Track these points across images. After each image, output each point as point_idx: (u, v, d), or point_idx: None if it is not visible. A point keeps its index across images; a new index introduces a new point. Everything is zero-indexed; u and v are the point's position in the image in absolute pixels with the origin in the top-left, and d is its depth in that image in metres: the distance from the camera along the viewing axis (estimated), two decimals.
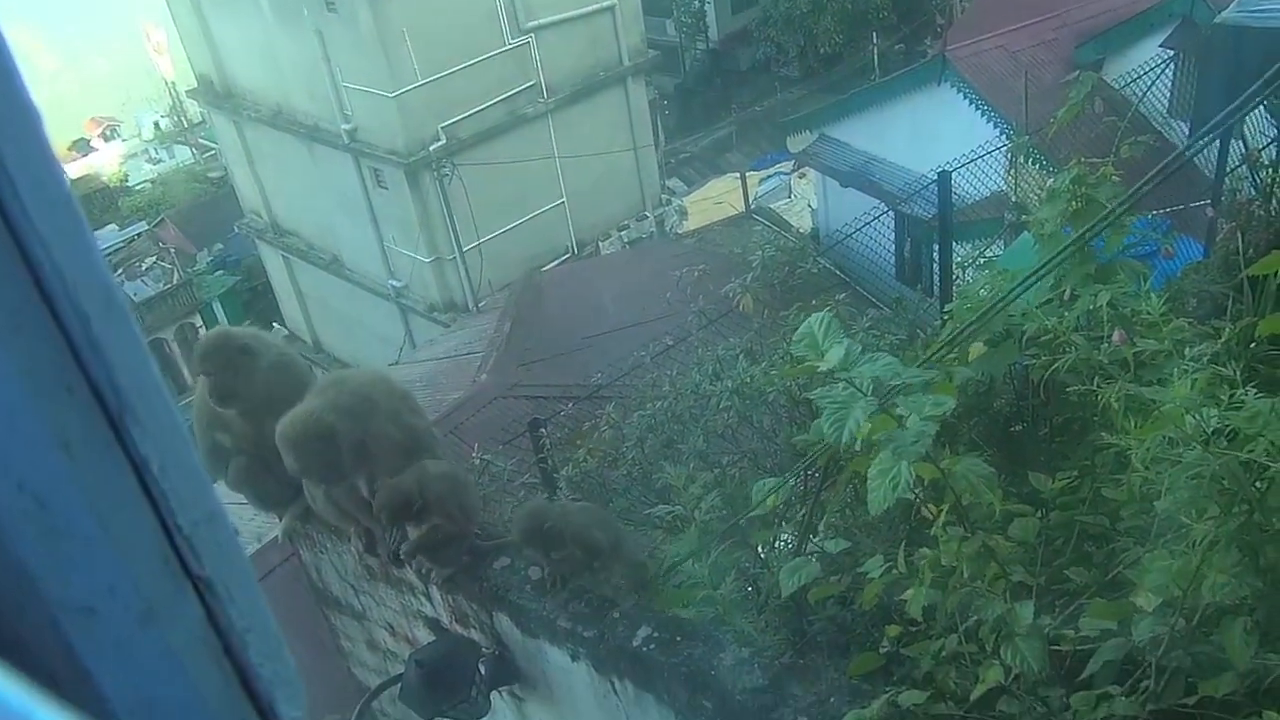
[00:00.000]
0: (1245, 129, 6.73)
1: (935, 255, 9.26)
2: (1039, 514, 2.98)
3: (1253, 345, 2.82)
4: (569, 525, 3.79)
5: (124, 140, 40.49)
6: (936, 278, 8.88)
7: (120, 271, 28.93)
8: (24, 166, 0.50)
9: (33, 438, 0.54)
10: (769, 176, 23.39)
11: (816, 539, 3.80)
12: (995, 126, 13.54)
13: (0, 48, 0.51)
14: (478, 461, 6.60)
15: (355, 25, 17.54)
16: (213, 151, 33.26)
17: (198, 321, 28.69)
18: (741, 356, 5.91)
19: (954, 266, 7.96)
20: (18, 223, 0.50)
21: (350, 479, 3.93)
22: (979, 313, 3.47)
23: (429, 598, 4.51)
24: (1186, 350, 2.54)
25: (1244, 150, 6.49)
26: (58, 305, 0.53)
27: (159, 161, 38.74)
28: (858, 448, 2.78)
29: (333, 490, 4.02)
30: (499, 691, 4.35)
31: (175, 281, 28.71)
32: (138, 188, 36.21)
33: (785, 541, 4.07)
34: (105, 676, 0.57)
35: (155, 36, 36.84)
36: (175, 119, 39.76)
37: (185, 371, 28.54)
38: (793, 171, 22.47)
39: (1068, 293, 3.38)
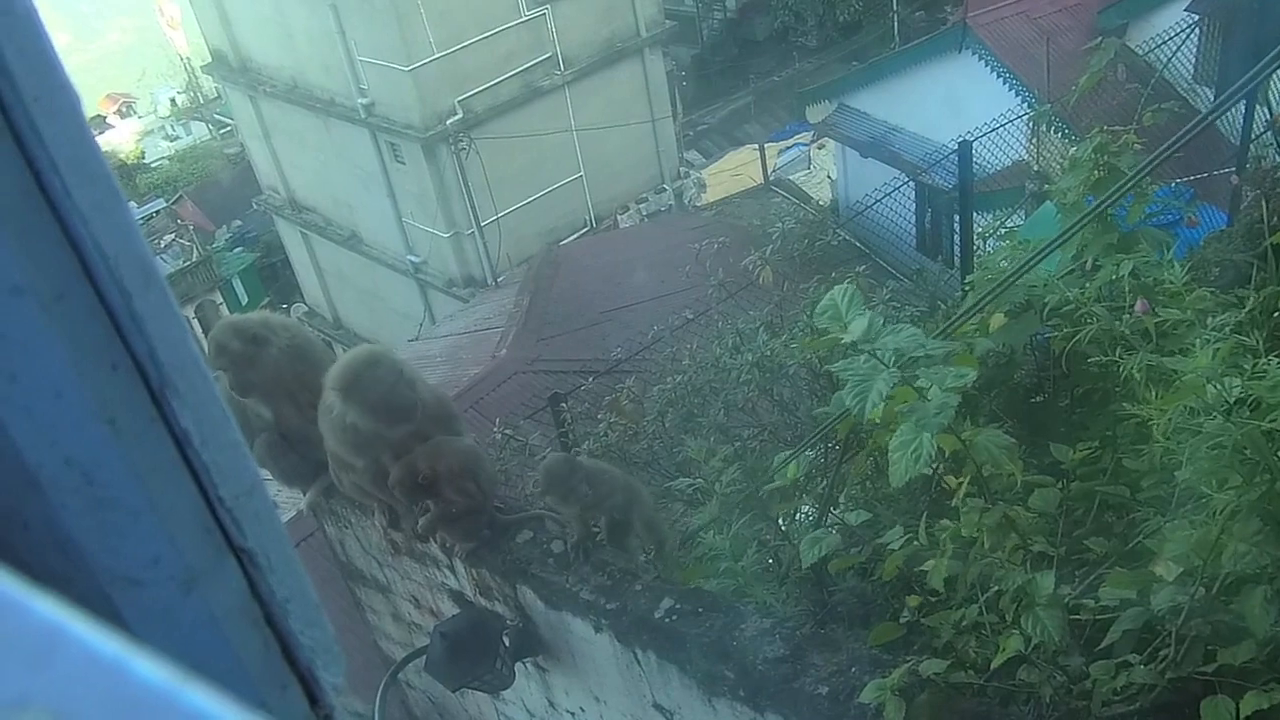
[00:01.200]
0: (1271, 95, 6.64)
1: (956, 226, 9.20)
2: (1060, 484, 2.98)
3: (1276, 314, 2.81)
4: (595, 479, 3.84)
5: (140, 117, 40.53)
6: (957, 249, 8.82)
7: None
8: (64, 145, 0.51)
9: (79, 413, 0.55)
10: (788, 148, 23.22)
11: (837, 511, 3.82)
12: (1017, 94, 13.40)
13: (39, 30, 0.52)
14: (499, 436, 6.63)
15: None
16: (229, 127, 33.27)
17: (218, 298, 28.82)
18: (761, 329, 5.91)
19: (975, 237, 7.91)
20: (60, 201, 0.52)
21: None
22: (998, 283, 3.46)
23: (453, 571, 4.55)
24: (1209, 320, 2.53)
25: (1269, 117, 6.41)
26: (100, 282, 0.54)
27: (176, 138, 38.75)
28: (879, 420, 2.79)
29: (356, 466, 4.05)
30: (523, 663, 4.40)
31: (194, 258, 28.81)
32: (155, 165, 36.28)
33: (806, 514, 4.09)
34: (151, 644, 0.59)
35: (169, 10, 36.78)
36: (191, 95, 39.75)
37: (206, 349, 28.70)
38: (812, 142, 22.28)
39: (1089, 263, 3.36)
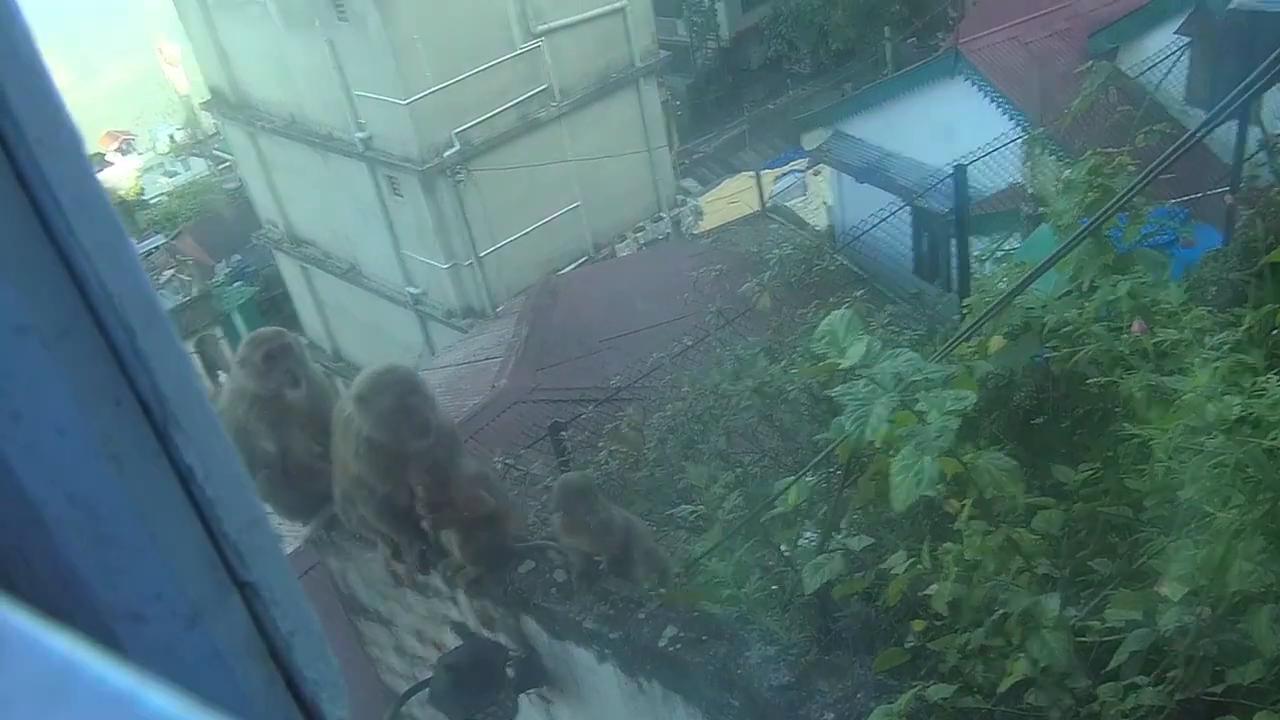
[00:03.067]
0: (1262, 115, 6.69)
1: (953, 249, 9.22)
2: (1062, 506, 2.98)
3: (1274, 332, 2.81)
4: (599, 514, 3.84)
5: (140, 154, 40.71)
6: (955, 272, 8.85)
7: None
8: (67, 185, 0.52)
9: (83, 450, 0.55)
10: (784, 174, 23.34)
11: (840, 536, 3.81)
12: (1010, 119, 13.48)
13: (42, 72, 0.53)
14: (500, 465, 6.62)
15: (366, 33, 17.61)
16: (228, 163, 33.41)
17: (218, 332, 28.83)
18: (761, 355, 5.92)
19: (972, 260, 7.93)
20: (63, 240, 0.52)
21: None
22: (994, 304, 3.47)
23: (456, 603, 4.54)
24: (1207, 339, 2.54)
25: (1261, 136, 6.45)
26: (104, 319, 0.54)
27: (175, 174, 38.91)
28: (879, 444, 2.79)
29: (367, 486, 4.01)
30: (527, 694, 4.37)
31: (194, 293, 28.85)
32: (154, 201, 36.40)
33: (808, 539, 4.08)
34: (155, 680, 0.59)
35: (167, 49, 37.07)
36: (190, 131, 39.97)
37: (207, 383, 28.72)
38: (807, 169, 22.42)
39: (1086, 284, 3.37)
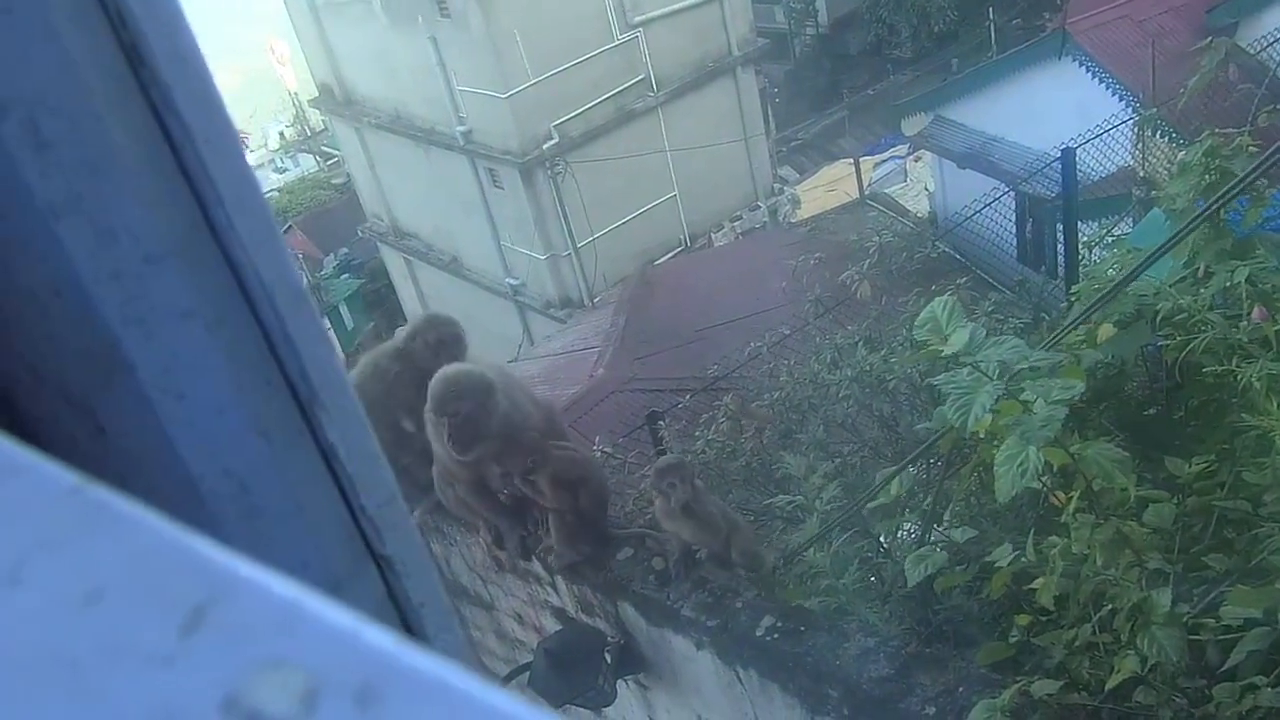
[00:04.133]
0: None
1: (1059, 235, 8.97)
2: (1175, 499, 2.89)
3: None
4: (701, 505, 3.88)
5: (252, 151, 42.05)
6: (1060, 259, 8.61)
7: None
8: (228, 182, 0.56)
9: (237, 427, 0.60)
10: (883, 161, 22.98)
11: (941, 528, 3.76)
12: (1120, 100, 13.02)
13: (205, 76, 0.57)
14: (598, 454, 6.69)
15: (467, 29, 17.90)
16: (335, 159, 34.34)
17: (325, 323, 29.63)
18: (860, 344, 5.86)
19: (1080, 246, 7.71)
20: (224, 233, 0.57)
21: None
22: (1105, 291, 3.38)
23: (555, 588, 4.61)
24: None
25: None
26: (257, 304, 0.59)
27: (285, 170, 40.14)
28: (983, 434, 2.75)
29: (462, 483, 4.13)
30: (625, 680, 4.42)
31: (304, 286, 29.73)
32: (266, 197, 37.60)
33: (908, 531, 4.04)
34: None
35: (279, 49, 38.22)
36: (299, 128, 41.17)
37: None
38: (908, 155, 22.03)
39: (1202, 270, 3.26)
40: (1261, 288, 2.97)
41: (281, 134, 41.75)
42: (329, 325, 29.42)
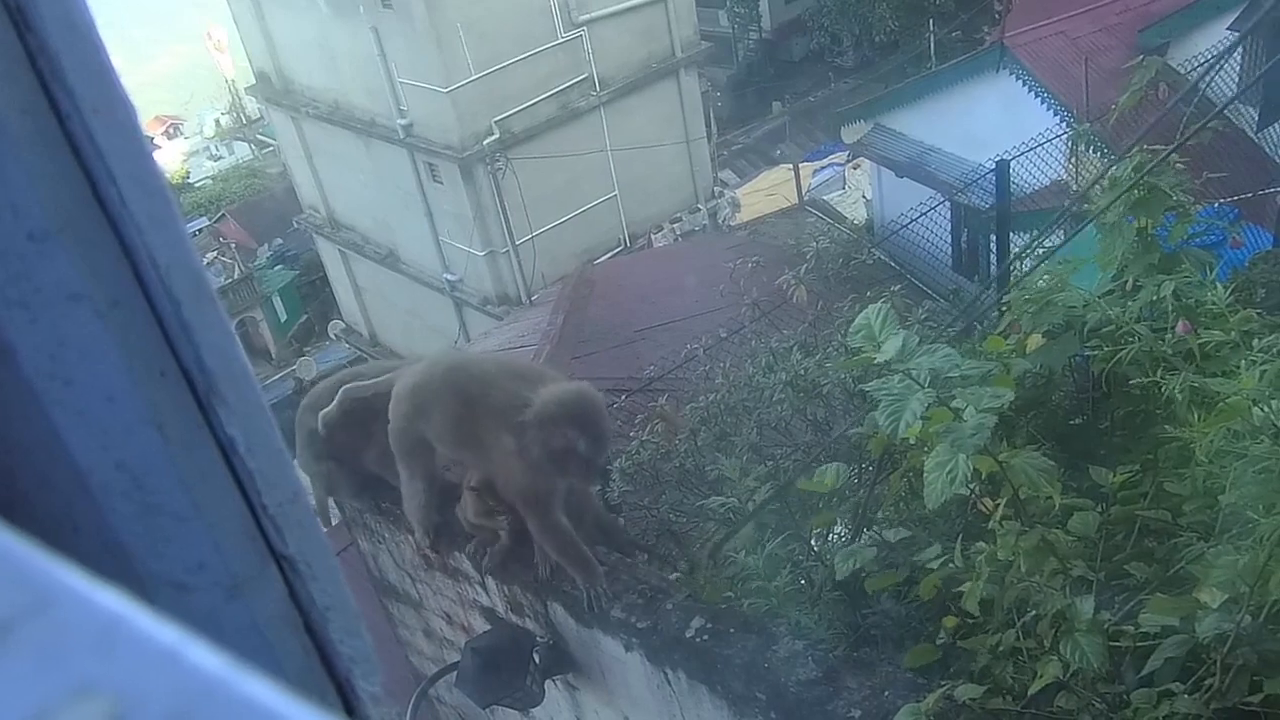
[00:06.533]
0: None
1: (993, 246, 9.13)
2: (1099, 508, 2.94)
3: None
4: None
5: (186, 138, 41.26)
6: (994, 269, 8.76)
7: None
8: (121, 157, 0.53)
9: (130, 418, 0.56)
10: (823, 167, 23.19)
11: (871, 531, 3.79)
12: (1055, 114, 13.30)
13: (97, 44, 0.53)
14: None
15: (410, 21, 17.71)
16: (272, 148, 33.80)
17: (258, 315, 29.19)
18: (796, 349, 5.89)
19: (1012, 257, 7.85)
20: (116, 211, 0.53)
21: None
22: (1037, 303, 3.43)
23: (484, 587, 4.56)
24: (1254, 341, 2.49)
25: None
26: (152, 290, 0.55)
27: (220, 158, 39.43)
28: (914, 440, 2.77)
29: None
30: (553, 680, 4.39)
31: (236, 276, 29.26)
32: (199, 185, 36.89)
33: (840, 534, 4.06)
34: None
35: (216, 35, 37.51)
36: (235, 116, 40.46)
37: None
38: (847, 162, 22.25)
39: (1130, 283, 3.32)
40: (1186, 302, 3.04)
41: (218, 121, 41.00)
42: (262, 317, 28.96)
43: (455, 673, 4.37)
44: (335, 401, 4.16)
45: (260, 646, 0.62)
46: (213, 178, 36.98)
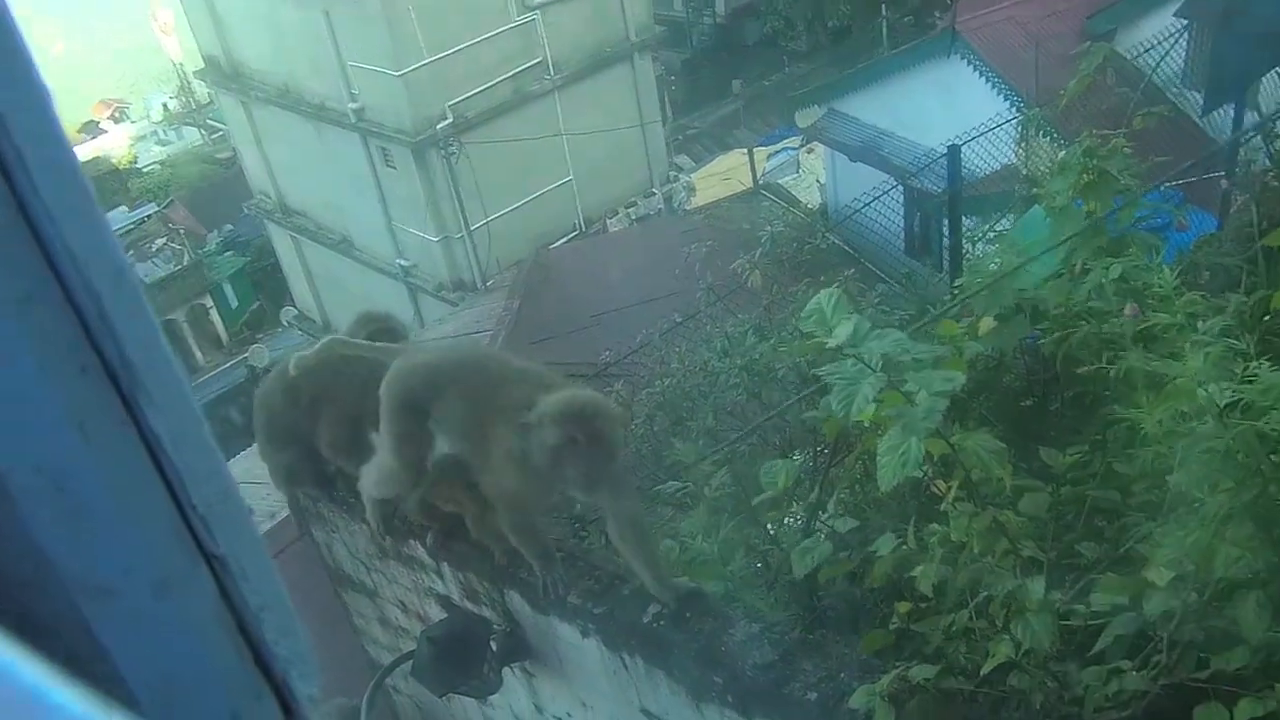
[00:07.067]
0: (1259, 99, 6.67)
1: (945, 230, 9.20)
2: (1050, 489, 2.97)
3: (1266, 318, 2.81)
4: None
5: (133, 122, 40.47)
6: (946, 252, 8.83)
7: (131, 253, 29.02)
8: (33, 144, 0.50)
9: (48, 419, 0.54)
10: (777, 152, 23.27)
11: (825, 516, 3.81)
12: (1006, 99, 13.43)
13: (8, 25, 0.50)
14: None
15: (361, 3, 17.48)
16: (221, 132, 33.24)
17: (208, 302, 28.77)
18: (750, 333, 5.90)
19: (964, 241, 7.92)
20: (28, 200, 0.50)
21: None
22: (989, 286, 3.46)
23: (440, 575, 4.53)
24: (1199, 323, 2.53)
25: (1258, 120, 6.43)
26: (69, 283, 0.52)
27: (168, 143, 38.71)
28: (867, 424, 2.78)
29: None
30: (510, 668, 4.37)
31: (185, 263, 28.80)
32: (146, 170, 36.21)
33: (795, 518, 4.08)
34: (122, 654, 0.57)
35: (162, 17, 36.77)
36: (183, 100, 39.73)
37: (197, 352, 28.69)
38: (801, 147, 22.35)
39: (1079, 266, 3.36)
40: (1133, 285, 3.07)
41: (165, 105, 40.22)
42: (212, 304, 28.53)
43: (411, 662, 4.34)
44: (316, 349, 4.01)
45: (192, 649, 0.60)
46: (161, 163, 36.31)
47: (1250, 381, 2.19)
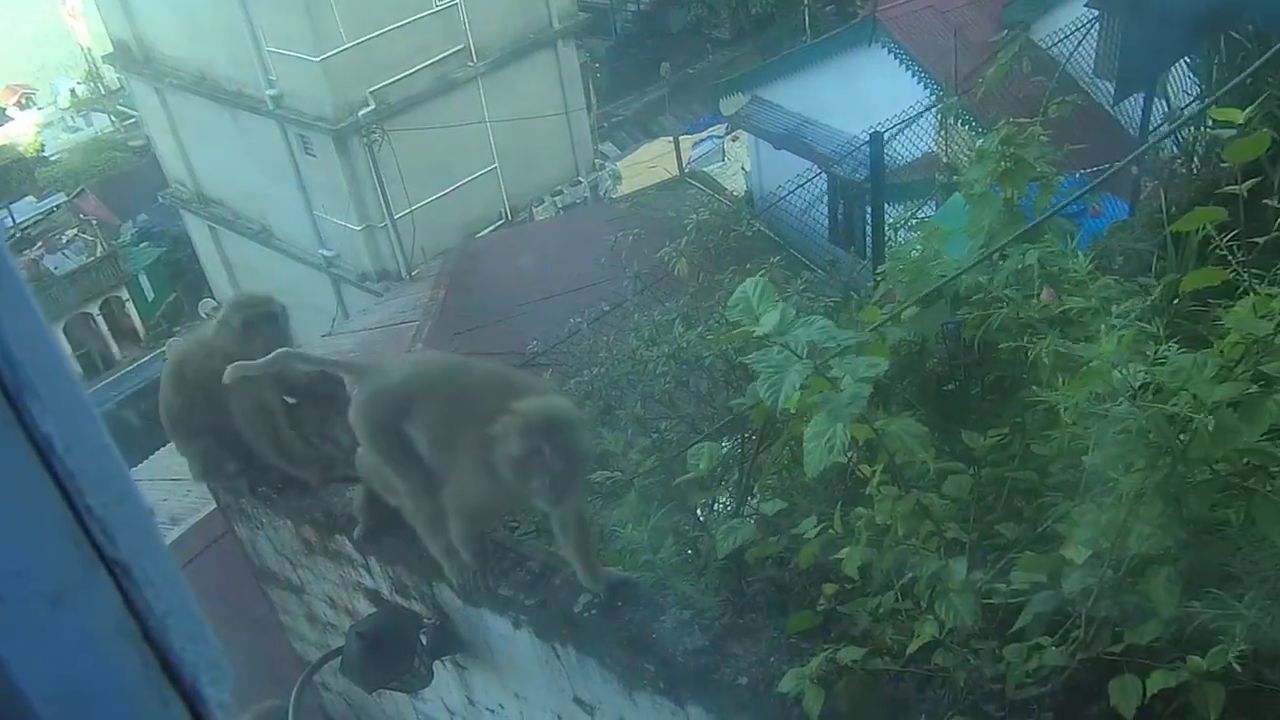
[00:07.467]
0: (1168, 88, 6.86)
1: (868, 217, 9.32)
2: (971, 471, 3.03)
3: (1176, 301, 2.88)
4: None
5: (40, 109, 39.09)
6: (869, 239, 8.94)
7: (40, 245, 28.09)
8: None
9: None
10: (702, 140, 23.35)
11: (754, 501, 3.83)
12: (926, 87, 13.64)
13: None
14: None
15: None
16: (133, 119, 32.23)
17: (124, 294, 27.97)
18: (678, 321, 5.91)
19: (887, 228, 8.02)
20: None
21: None
22: (911, 273, 3.51)
23: (368, 570, 4.47)
24: (1113, 307, 2.59)
25: (1166, 109, 6.62)
26: None
27: (77, 130, 37.46)
28: (793, 410, 2.80)
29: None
30: (441, 661, 4.34)
31: (98, 254, 27.94)
32: (55, 158, 35.01)
33: (724, 504, 4.10)
34: (17, 664, 0.54)
35: (70, 1, 35.53)
36: (92, 86, 38.47)
37: (113, 346, 27.89)
38: (726, 134, 22.46)
39: (998, 252, 3.42)
40: (1050, 270, 3.14)
41: (73, 91, 38.90)
42: (128, 296, 27.74)
43: (340, 658, 4.28)
44: (268, 360, 3.89)
45: (93, 658, 0.57)
46: (70, 150, 35.12)
47: (1160, 364, 2.25)
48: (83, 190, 30.83)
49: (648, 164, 21.94)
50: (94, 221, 29.01)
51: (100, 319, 27.73)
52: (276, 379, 4.22)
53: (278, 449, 4.38)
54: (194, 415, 4.35)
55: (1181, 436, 2.19)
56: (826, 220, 14.55)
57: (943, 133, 11.01)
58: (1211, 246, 2.43)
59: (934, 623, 2.54)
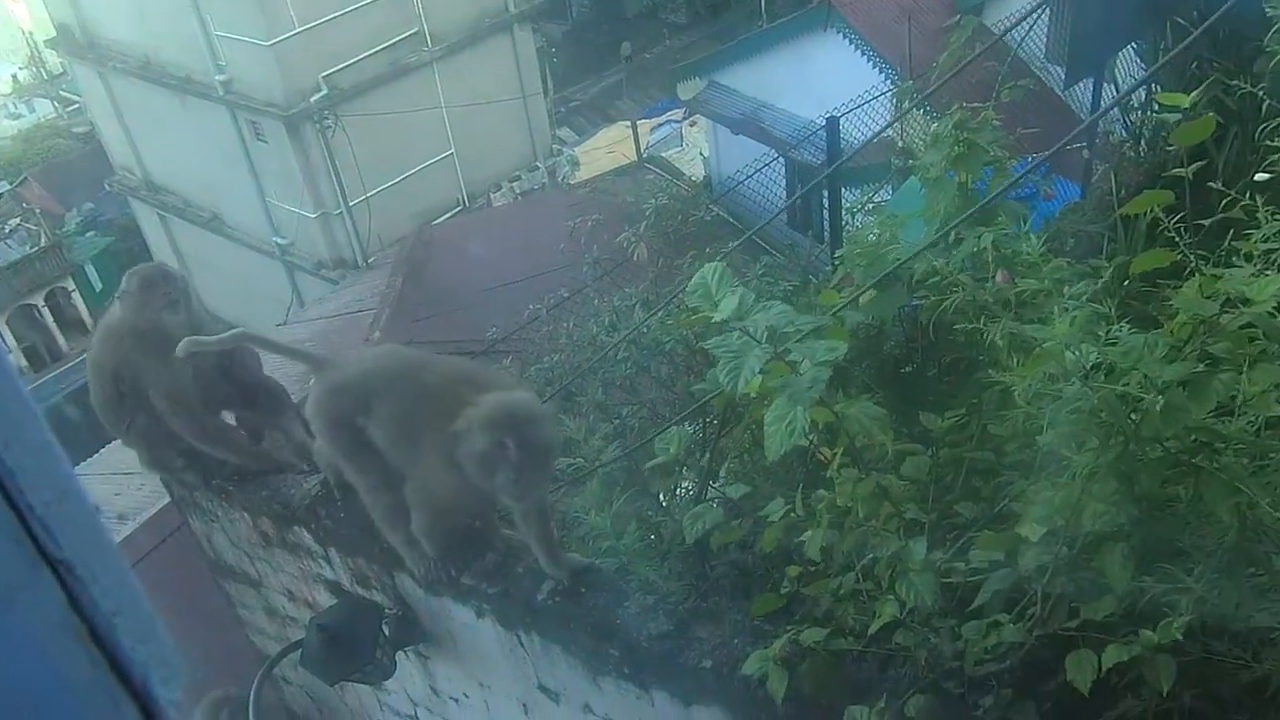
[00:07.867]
0: (1116, 73, 6.94)
1: (825, 201, 9.35)
2: (930, 452, 3.05)
3: (1126, 283, 2.92)
4: None
5: None
6: (827, 224, 8.97)
7: None
8: None
9: None
10: (660, 124, 23.30)
11: (717, 485, 3.84)
12: (881, 72, 13.70)
13: None
14: None
15: None
16: (77, 105, 31.57)
17: (70, 285, 27.45)
18: (638, 307, 5.91)
19: (844, 212, 8.05)
20: None
21: None
22: (868, 256, 3.53)
23: (328, 561, 4.43)
24: (1066, 289, 2.62)
25: (1115, 93, 6.70)
26: None
27: (19, 116, 36.67)
28: (753, 395, 2.81)
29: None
30: (404, 652, 4.32)
31: (43, 243, 27.37)
32: None
33: (686, 489, 4.11)
34: None
35: None
36: (34, 71, 37.64)
37: (59, 338, 27.38)
38: (684, 119, 22.43)
39: (953, 235, 3.44)
40: (1004, 252, 3.17)
41: (14, 76, 38.04)
42: (74, 287, 27.23)
43: (300, 651, 4.24)
44: (226, 336, 3.81)
45: (38, 660, 0.55)
46: (12, 138, 34.35)
47: (1112, 344, 2.28)
48: (25, 178, 30.17)
49: (606, 149, 21.88)
50: (38, 210, 28.40)
51: (45, 310, 27.20)
52: (185, 363, 4.00)
53: (197, 432, 4.28)
54: (122, 402, 4.24)
55: (1133, 416, 2.23)
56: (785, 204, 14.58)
57: (897, 114, 11.06)
58: (1160, 228, 2.46)
59: (895, 602, 2.56)
